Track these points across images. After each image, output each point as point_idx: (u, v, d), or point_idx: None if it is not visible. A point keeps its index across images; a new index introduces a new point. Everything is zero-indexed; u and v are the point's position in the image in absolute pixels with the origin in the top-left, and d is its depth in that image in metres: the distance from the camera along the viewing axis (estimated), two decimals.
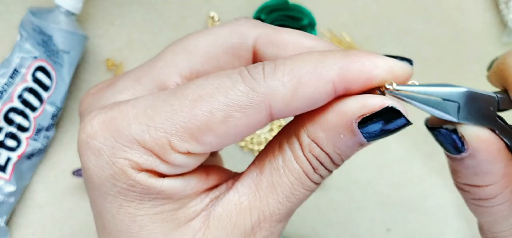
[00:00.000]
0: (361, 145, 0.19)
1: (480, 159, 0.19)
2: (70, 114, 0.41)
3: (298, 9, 0.42)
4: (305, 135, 0.19)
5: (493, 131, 0.19)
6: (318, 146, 0.19)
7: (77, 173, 0.39)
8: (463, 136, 0.19)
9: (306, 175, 0.19)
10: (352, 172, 0.43)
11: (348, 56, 0.18)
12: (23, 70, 0.37)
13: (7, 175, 0.37)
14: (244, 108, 0.17)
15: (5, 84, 0.37)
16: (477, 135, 0.19)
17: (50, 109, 0.38)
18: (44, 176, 0.40)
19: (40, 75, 0.38)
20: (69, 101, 0.41)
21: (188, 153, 0.18)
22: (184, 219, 0.19)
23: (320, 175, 0.20)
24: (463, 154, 0.19)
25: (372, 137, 0.18)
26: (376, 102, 0.18)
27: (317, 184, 0.20)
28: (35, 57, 0.37)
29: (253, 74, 0.18)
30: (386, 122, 0.18)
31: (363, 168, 0.43)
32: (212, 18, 0.43)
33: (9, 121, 0.37)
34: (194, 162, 0.19)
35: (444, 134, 0.21)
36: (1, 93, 0.37)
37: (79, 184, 0.40)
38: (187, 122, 0.17)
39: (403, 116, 0.18)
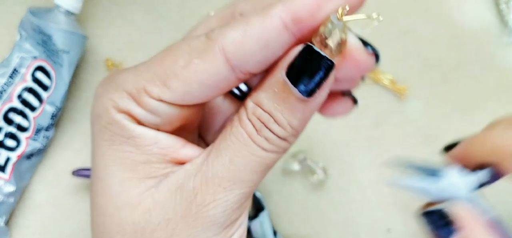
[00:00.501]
0: (302, 102, 0.18)
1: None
2: (70, 114, 0.41)
3: None
4: (250, 100, 0.19)
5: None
6: (259, 106, 0.19)
7: (77, 173, 0.39)
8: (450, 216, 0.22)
9: (249, 137, 0.19)
10: (352, 172, 0.43)
11: None
12: (22, 70, 0.37)
13: (6, 175, 0.37)
14: (201, 53, 0.18)
15: (5, 84, 0.37)
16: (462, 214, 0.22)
17: (49, 109, 0.38)
18: (44, 176, 0.40)
19: (39, 75, 0.37)
20: (68, 101, 0.41)
21: (160, 100, 0.19)
22: (143, 174, 0.20)
23: (266, 138, 0.19)
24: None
25: (304, 87, 0.18)
26: (297, 48, 0.18)
27: (266, 150, 0.19)
28: (35, 57, 0.37)
29: (213, 29, 0.19)
30: (311, 69, 0.18)
31: (363, 168, 0.43)
32: None
33: (8, 121, 0.37)
34: (166, 112, 0.20)
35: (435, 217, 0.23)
36: (1, 93, 0.37)
37: (79, 184, 0.40)
38: (158, 70, 0.19)
39: (326, 58, 0.18)
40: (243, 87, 0.26)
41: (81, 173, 0.39)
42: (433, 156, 0.43)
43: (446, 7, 0.45)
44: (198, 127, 0.25)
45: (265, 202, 0.42)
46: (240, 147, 0.19)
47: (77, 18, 0.39)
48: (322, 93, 0.19)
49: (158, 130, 0.20)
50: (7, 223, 0.39)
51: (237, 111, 0.24)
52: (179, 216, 0.20)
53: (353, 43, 0.19)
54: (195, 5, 0.43)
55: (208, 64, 0.18)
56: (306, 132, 0.42)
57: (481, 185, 0.23)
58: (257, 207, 0.42)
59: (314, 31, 0.18)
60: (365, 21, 0.19)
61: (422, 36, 0.45)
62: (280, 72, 0.18)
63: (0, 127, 0.37)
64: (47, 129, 0.39)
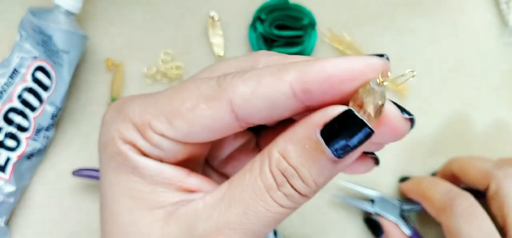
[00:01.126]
0: (332, 162, 0.18)
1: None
2: (70, 114, 0.41)
3: (299, 9, 0.42)
4: (275, 149, 0.19)
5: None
6: (285, 159, 0.18)
7: (77, 173, 0.39)
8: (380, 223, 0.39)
9: (268, 191, 0.19)
10: None
11: (310, 61, 0.18)
12: (22, 70, 0.37)
13: (6, 175, 0.37)
14: (209, 100, 0.19)
15: (5, 84, 0.37)
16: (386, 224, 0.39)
17: (49, 109, 0.38)
18: (44, 176, 0.40)
19: (39, 75, 0.37)
20: (68, 101, 0.41)
21: (163, 135, 0.20)
22: (151, 204, 0.20)
23: (285, 194, 0.19)
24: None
25: (338, 149, 0.18)
26: (336, 109, 0.18)
27: (283, 206, 0.19)
28: (35, 57, 0.37)
29: (225, 76, 0.19)
30: (349, 133, 0.17)
31: None
32: (212, 18, 0.42)
33: (8, 121, 0.37)
34: (169, 147, 0.20)
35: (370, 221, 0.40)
36: (1, 93, 0.37)
37: (79, 184, 0.40)
38: (164, 107, 0.20)
39: (366, 125, 0.17)
40: None
41: (81, 173, 0.39)
42: (433, 156, 0.43)
43: (446, 7, 0.45)
44: (204, 159, 0.25)
45: None
46: (256, 201, 0.19)
47: (77, 18, 0.39)
48: (353, 156, 0.18)
49: (162, 161, 0.21)
50: (7, 223, 0.39)
51: (245, 140, 0.25)
52: None
53: (390, 110, 0.18)
54: (195, 4, 0.43)
55: (214, 111, 0.19)
56: None
57: (407, 211, 0.40)
58: None
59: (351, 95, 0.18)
60: (401, 78, 0.18)
61: (422, 36, 0.45)
62: (315, 131, 0.18)
63: (0, 127, 0.37)
64: (47, 129, 0.39)
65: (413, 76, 0.18)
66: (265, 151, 0.19)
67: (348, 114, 0.17)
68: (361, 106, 0.17)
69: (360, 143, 0.17)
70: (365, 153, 0.22)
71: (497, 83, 0.45)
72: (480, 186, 0.35)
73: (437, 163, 0.43)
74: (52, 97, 0.38)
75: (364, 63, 0.17)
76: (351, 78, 0.17)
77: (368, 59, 0.18)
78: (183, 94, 0.20)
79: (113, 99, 0.41)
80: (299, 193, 0.19)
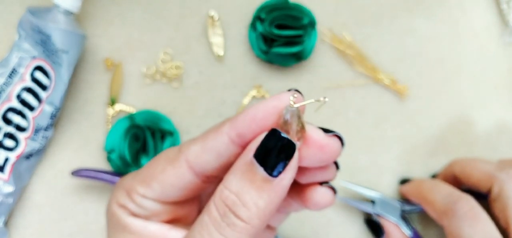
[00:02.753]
0: (268, 182, 0.20)
1: None
2: (69, 114, 0.41)
3: (299, 9, 0.42)
4: (221, 184, 0.21)
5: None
6: (227, 188, 0.20)
7: (76, 173, 0.39)
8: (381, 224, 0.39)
9: (213, 224, 0.20)
10: (353, 172, 0.43)
11: (241, 112, 0.22)
12: (21, 70, 0.37)
13: (5, 175, 0.37)
14: (172, 162, 0.23)
15: (4, 84, 0.37)
16: (387, 225, 0.38)
17: (48, 109, 0.38)
18: (43, 176, 0.40)
19: (38, 75, 0.37)
20: (67, 101, 0.41)
21: (144, 196, 0.24)
22: None
23: (228, 225, 0.20)
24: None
25: (270, 167, 0.20)
26: (265, 132, 0.20)
27: None
28: (34, 57, 0.37)
29: (184, 142, 0.24)
30: (276, 150, 0.20)
31: (364, 168, 0.43)
32: (212, 17, 0.42)
33: (7, 121, 0.37)
34: (151, 207, 0.24)
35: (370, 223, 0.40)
36: (0, 93, 0.37)
37: (78, 185, 0.40)
38: (145, 173, 0.25)
39: (289, 140, 0.20)
40: None
41: (80, 173, 0.38)
42: (433, 156, 0.43)
43: (447, 6, 0.45)
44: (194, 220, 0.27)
45: None
46: (204, 236, 0.21)
47: (76, 17, 0.39)
48: (287, 175, 0.20)
49: (148, 220, 0.25)
50: (6, 223, 0.39)
51: None
52: None
53: (311, 129, 0.21)
54: (194, 4, 0.43)
55: (176, 170, 0.23)
56: None
57: (408, 212, 0.40)
58: None
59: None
60: (315, 104, 0.22)
61: (422, 36, 0.45)
62: (248, 154, 0.20)
63: None
64: (46, 129, 0.38)
65: (325, 102, 0.22)
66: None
67: (273, 133, 0.20)
68: (286, 131, 0.21)
69: (287, 157, 0.20)
70: (321, 184, 0.24)
71: (497, 83, 0.45)
72: (482, 188, 0.35)
73: (438, 163, 0.43)
74: (51, 97, 0.38)
75: (275, 99, 0.21)
76: (269, 113, 0.21)
77: (279, 95, 0.21)
78: (158, 161, 0.24)
79: (112, 99, 0.41)
80: (242, 220, 0.20)
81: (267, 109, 0.21)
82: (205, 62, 0.43)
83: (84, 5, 0.41)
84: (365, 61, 0.43)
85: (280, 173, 0.20)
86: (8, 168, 0.37)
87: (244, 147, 0.21)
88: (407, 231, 0.39)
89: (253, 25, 0.42)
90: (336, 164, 0.24)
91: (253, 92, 0.42)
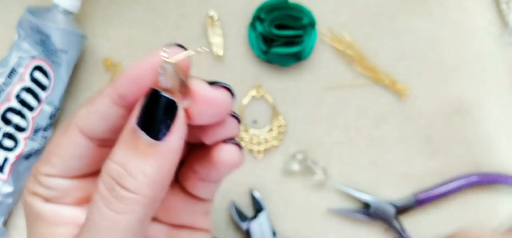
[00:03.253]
0: (154, 147, 0.19)
1: None
2: (68, 114, 0.41)
3: (298, 8, 0.42)
4: (107, 159, 0.20)
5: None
6: (112, 160, 0.19)
7: None
8: None
9: (101, 200, 0.19)
10: (353, 172, 0.43)
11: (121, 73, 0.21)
12: (21, 70, 0.37)
13: (4, 175, 0.37)
14: (65, 131, 0.22)
15: (3, 84, 0.37)
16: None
17: (48, 109, 0.38)
18: None
19: (38, 74, 0.37)
20: (67, 101, 0.41)
21: (49, 175, 0.22)
22: None
23: (116, 198, 0.19)
24: None
25: (153, 130, 0.19)
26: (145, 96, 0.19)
27: (119, 212, 0.19)
28: (33, 57, 0.37)
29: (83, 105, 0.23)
30: (157, 110, 0.19)
31: (364, 168, 0.43)
32: (211, 17, 0.42)
33: (6, 121, 0.37)
34: (59, 185, 0.23)
35: None
36: None
37: None
38: (46, 152, 0.23)
39: (167, 97, 0.19)
40: None
41: None
42: (433, 156, 0.43)
43: (446, 6, 0.45)
44: None
45: (264, 203, 0.41)
46: (94, 215, 0.19)
47: (75, 17, 0.39)
48: (174, 137, 0.19)
49: (62, 204, 0.23)
50: (5, 223, 0.38)
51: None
52: None
53: (195, 84, 0.20)
54: (194, 4, 0.43)
55: (70, 138, 0.22)
56: (306, 132, 0.42)
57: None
58: (257, 208, 0.41)
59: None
60: (192, 53, 0.20)
61: (422, 36, 0.45)
62: (131, 121, 0.19)
63: None
64: (45, 129, 0.38)
65: (204, 51, 0.21)
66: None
67: (152, 94, 0.19)
68: (165, 89, 0.19)
69: (170, 117, 0.19)
70: (225, 141, 0.22)
71: (497, 83, 0.45)
72: None
73: (438, 164, 0.43)
74: (50, 97, 0.38)
75: (150, 55, 0.20)
76: (146, 71, 0.19)
77: (154, 51, 0.20)
78: (54, 137, 0.23)
79: None
80: (129, 191, 0.19)
81: (143, 67, 0.20)
82: (205, 62, 0.43)
83: (84, 5, 0.41)
84: (364, 61, 0.43)
85: (165, 135, 0.19)
86: (7, 168, 0.37)
87: (130, 109, 0.20)
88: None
89: (252, 25, 0.42)
90: (236, 117, 0.22)
91: (253, 92, 0.42)
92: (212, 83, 0.21)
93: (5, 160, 0.37)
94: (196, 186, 0.24)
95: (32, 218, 0.23)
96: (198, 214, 0.25)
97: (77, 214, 0.23)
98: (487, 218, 0.43)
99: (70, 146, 0.22)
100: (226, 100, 0.21)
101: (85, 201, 0.23)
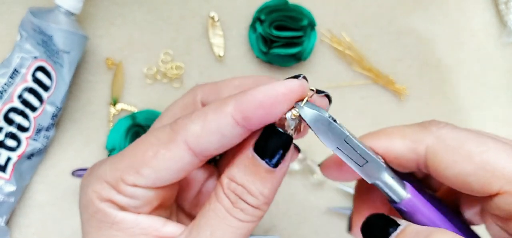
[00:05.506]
0: (270, 172, 0.21)
1: None
2: (70, 114, 0.41)
3: (298, 10, 0.42)
4: (224, 177, 0.22)
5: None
6: (233, 181, 0.21)
7: (76, 173, 0.39)
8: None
9: (227, 210, 0.22)
10: None
11: (244, 91, 0.21)
12: (23, 70, 0.37)
13: (7, 174, 0.37)
14: (167, 144, 0.22)
15: (5, 84, 0.37)
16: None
17: (50, 109, 0.38)
18: (44, 176, 0.40)
19: (40, 75, 0.38)
20: (69, 101, 0.41)
21: (135, 185, 0.22)
22: None
23: (241, 210, 0.22)
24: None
25: (270, 160, 0.21)
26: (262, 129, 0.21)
27: (242, 221, 0.22)
28: (35, 57, 0.37)
29: (176, 121, 0.22)
30: (274, 143, 0.21)
31: None
32: (212, 18, 0.43)
33: (9, 121, 0.37)
34: (143, 195, 0.22)
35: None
36: (1, 93, 0.37)
37: (79, 184, 0.40)
38: (130, 160, 0.22)
39: (284, 133, 0.21)
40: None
41: (81, 173, 0.39)
42: None
43: (446, 7, 0.45)
44: (175, 200, 0.27)
45: None
46: (218, 221, 0.22)
47: (77, 18, 0.39)
48: (286, 163, 0.22)
49: (139, 213, 0.23)
50: (8, 222, 0.39)
51: (207, 174, 0.28)
52: None
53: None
54: (195, 5, 0.43)
55: (173, 153, 0.22)
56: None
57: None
58: None
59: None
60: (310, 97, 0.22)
61: (422, 36, 0.45)
62: (249, 150, 0.21)
63: (1, 126, 0.37)
64: (47, 129, 0.39)
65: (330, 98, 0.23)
66: (218, 183, 0.22)
67: (270, 129, 0.21)
68: (281, 124, 0.21)
69: (284, 151, 0.21)
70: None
71: (496, 83, 0.45)
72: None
73: None
74: (53, 97, 0.38)
75: (284, 88, 0.21)
76: (278, 102, 0.21)
77: (288, 84, 0.21)
78: (144, 146, 0.22)
79: (113, 99, 0.41)
80: (252, 206, 0.22)
81: (276, 97, 0.21)
82: (206, 63, 0.43)
83: (86, 6, 0.41)
84: (364, 61, 0.44)
85: (279, 162, 0.21)
86: (10, 168, 0.37)
87: (252, 130, 0.21)
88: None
89: (253, 26, 0.42)
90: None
91: None
92: (318, 91, 0.23)
93: (8, 159, 0.37)
94: None
95: (104, 226, 0.23)
96: None
97: (154, 224, 0.23)
98: None
99: (171, 161, 0.22)
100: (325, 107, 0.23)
101: (158, 208, 0.24)
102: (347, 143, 0.22)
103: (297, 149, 0.26)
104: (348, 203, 0.42)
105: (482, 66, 0.45)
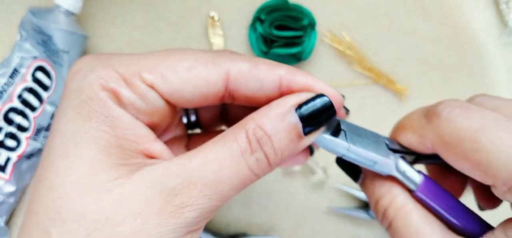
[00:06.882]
0: (299, 137, 0.21)
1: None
2: None
3: (298, 9, 0.42)
4: (252, 121, 0.21)
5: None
6: (261, 128, 0.20)
7: None
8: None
9: (242, 155, 0.20)
10: None
11: (298, 70, 0.22)
12: (23, 70, 0.37)
13: (7, 175, 0.37)
14: (207, 64, 0.21)
15: (5, 84, 0.37)
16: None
17: (50, 109, 0.38)
18: None
19: (40, 75, 0.37)
20: None
21: (152, 86, 0.21)
22: (115, 159, 0.20)
23: (256, 159, 0.20)
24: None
25: (307, 126, 0.21)
26: (309, 94, 0.21)
27: (252, 171, 0.21)
28: (35, 57, 0.37)
29: (223, 51, 0.22)
30: (319, 111, 0.21)
31: None
32: (212, 18, 0.43)
33: (9, 121, 0.37)
34: (152, 101, 0.21)
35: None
36: (1, 93, 0.37)
37: None
38: (159, 62, 0.21)
39: (332, 106, 0.21)
40: (193, 118, 0.28)
41: None
42: None
43: (446, 7, 0.45)
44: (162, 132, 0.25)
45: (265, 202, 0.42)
46: (231, 161, 0.20)
47: (77, 18, 0.39)
48: (311, 138, 0.21)
49: (137, 118, 0.21)
50: (7, 223, 0.39)
51: (180, 134, 0.27)
52: (152, 212, 0.19)
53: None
54: (195, 5, 0.43)
55: (210, 74, 0.21)
56: None
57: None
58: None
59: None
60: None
61: (422, 36, 0.45)
62: (291, 109, 0.21)
63: (0, 127, 0.37)
64: (47, 129, 0.39)
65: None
66: (239, 124, 0.21)
67: (320, 96, 0.21)
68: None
69: (320, 125, 0.21)
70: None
71: (496, 83, 0.45)
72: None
73: None
74: (52, 97, 0.38)
75: (330, 91, 0.23)
76: (326, 93, 0.22)
77: (336, 94, 0.23)
78: (181, 56, 0.21)
79: None
80: (268, 160, 0.21)
81: (324, 90, 0.22)
82: None
83: (85, 6, 0.41)
84: (364, 61, 0.44)
85: (310, 133, 0.21)
86: (9, 168, 0.37)
87: (282, 94, 0.22)
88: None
89: (253, 26, 0.42)
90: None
91: None
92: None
93: (8, 159, 0.37)
94: None
95: (96, 116, 0.20)
96: None
97: (148, 136, 0.21)
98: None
99: (204, 81, 0.21)
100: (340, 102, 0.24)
101: (151, 127, 0.22)
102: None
103: (311, 150, 0.26)
104: (348, 203, 0.42)
105: (482, 66, 0.45)
